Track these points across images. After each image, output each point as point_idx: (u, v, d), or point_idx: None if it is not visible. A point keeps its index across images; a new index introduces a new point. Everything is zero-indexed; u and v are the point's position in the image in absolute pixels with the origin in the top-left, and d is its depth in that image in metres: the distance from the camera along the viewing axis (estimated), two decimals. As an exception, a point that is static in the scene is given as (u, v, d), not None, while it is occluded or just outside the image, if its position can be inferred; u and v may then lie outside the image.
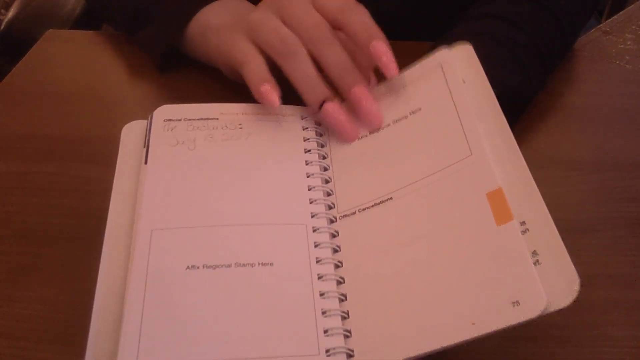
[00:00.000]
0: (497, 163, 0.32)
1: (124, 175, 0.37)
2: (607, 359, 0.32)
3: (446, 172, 0.33)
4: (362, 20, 0.40)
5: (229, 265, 0.32)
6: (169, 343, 0.29)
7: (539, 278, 0.26)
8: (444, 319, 0.28)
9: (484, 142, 0.33)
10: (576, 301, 0.26)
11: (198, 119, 0.39)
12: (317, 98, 0.39)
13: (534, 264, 0.27)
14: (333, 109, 0.39)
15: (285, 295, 0.31)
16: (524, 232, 0.28)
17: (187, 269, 0.31)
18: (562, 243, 0.27)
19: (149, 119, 0.39)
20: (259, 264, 0.32)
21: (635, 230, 0.39)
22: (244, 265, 0.32)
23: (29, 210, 0.40)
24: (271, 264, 0.32)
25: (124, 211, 0.35)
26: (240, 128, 0.39)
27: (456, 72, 0.37)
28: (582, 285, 0.35)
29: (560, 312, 0.34)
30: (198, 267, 0.31)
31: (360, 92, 0.39)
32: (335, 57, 0.39)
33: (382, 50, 0.38)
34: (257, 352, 0.29)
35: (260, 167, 0.37)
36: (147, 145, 0.37)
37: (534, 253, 0.28)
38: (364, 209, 0.34)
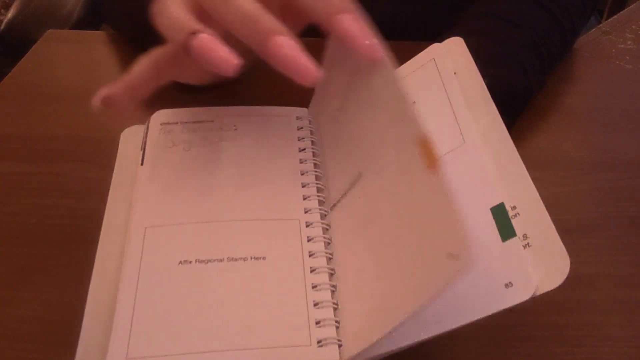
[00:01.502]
0: (489, 149, 0.32)
1: (122, 178, 0.38)
2: (607, 359, 0.32)
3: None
4: None
5: (221, 260, 0.32)
6: (160, 335, 0.29)
7: (529, 260, 0.27)
8: (435, 306, 0.28)
9: (476, 130, 0.33)
10: (567, 279, 0.26)
11: (194, 122, 0.39)
12: (179, 35, 0.31)
13: (525, 247, 0.28)
14: (202, 38, 0.30)
15: (277, 288, 0.31)
16: (514, 216, 0.29)
17: (180, 264, 0.32)
18: (552, 225, 0.28)
19: (147, 123, 0.40)
20: (251, 258, 0.32)
21: (635, 230, 0.39)
22: (236, 259, 0.32)
23: (28, 210, 0.40)
24: (264, 258, 0.32)
25: (119, 213, 0.35)
26: (235, 129, 0.39)
27: (448, 65, 0.37)
28: (581, 284, 0.35)
29: (560, 312, 0.34)
30: (190, 262, 0.32)
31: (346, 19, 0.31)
32: None
33: (352, 29, 0.31)
34: (248, 343, 0.29)
35: (255, 166, 0.38)
36: (143, 148, 0.38)
37: (524, 236, 0.28)
38: (345, 194, 0.35)
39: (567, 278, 0.26)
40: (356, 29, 0.31)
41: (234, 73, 0.30)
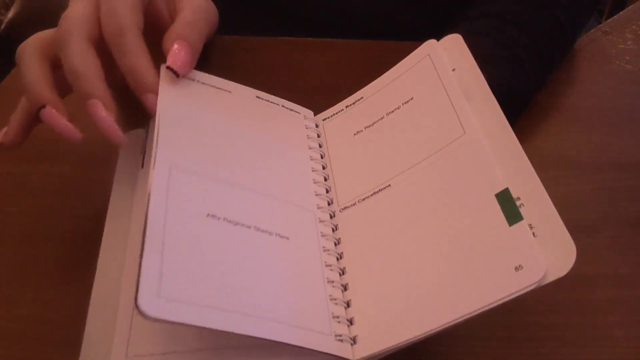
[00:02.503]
0: (491, 141, 0.32)
1: (123, 181, 0.38)
2: (606, 359, 0.32)
3: (442, 153, 0.34)
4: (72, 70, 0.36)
5: (249, 227, 0.31)
6: (191, 282, 0.27)
7: (537, 244, 0.27)
8: (447, 296, 0.28)
9: (476, 121, 0.33)
10: (568, 279, 0.25)
11: (211, 86, 0.38)
12: (33, 103, 0.36)
13: None
14: (48, 114, 0.36)
15: (299, 272, 0.31)
16: (518, 207, 0.29)
17: (208, 217, 0.30)
18: (557, 214, 0.28)
19: (147, 127, 0.40)
20: (276, 234, 0.32)
21: (635, 230, 0.39)
22: (263, 231, 0.31)
23: (29, 210, 0.40)
24: (287, 238, 0.32)
25: (121, 216, 0.35)
26: (250, 107, 0.39)
27: (444, 61, 0.37)
28: (582, 284, 0.35)
29: (560, 312, 0.34)
30: (219, 218, 0.30)
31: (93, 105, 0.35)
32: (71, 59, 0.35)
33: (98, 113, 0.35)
34: (273, 314, 0.28)
35: (270, 147, 0.37)
36: (144, 152, 0.38)
37: (530, 226, 0.28)
38: (363, 199, 0.35)
39: (568, 277, 0.26)
40: (101, 116, 0.35)
41: (76, 141, 0.36)
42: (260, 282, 0.29)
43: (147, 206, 0.29)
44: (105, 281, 0.32)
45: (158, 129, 0.33)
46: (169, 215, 0.29)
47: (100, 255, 0.34)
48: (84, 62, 0.35)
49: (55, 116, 0.36)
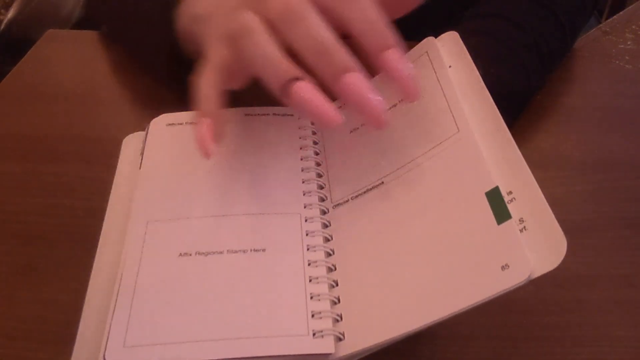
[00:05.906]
0: (484, 137, 0.32)
1: (122, 182, 0.38)
2: (607, 359, 0.32)
3: (435, 150, 0.34)
4: (365, 15, 0.32)
5: (221, 252, 0.32)
6: (158, 324, 0.29)
7: (524, 243, 0.27)
8: (435, 293, 0.28)
9: (470, 118, 0.33)
10: (567, 279, 0.25)
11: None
12: (279, 78, 0.31)
13: (521, 230, 0.28)
14: (305, 88, 0.30)
15: (275, 279, 0.31)
16: (510, 201, 0.29)
17: (180, 256, 0.32)
18: (548, 208, 0.28)
19: (146, 129, 0.40)
20: (251, 250, 0.33)
21: (635, 230, 0.39)
22: (236, 251, 0.33)
23: (29, 210, 0.40)
24: (263, 250, 0.33)
25: (120, 215, 0.36)
26: (237, 130, 0.40)
27: (441, 58, 0.37)
28: (581, 284, 0.35)
29: (560, 312, 0.34)
30: (190, 254, 0.32)
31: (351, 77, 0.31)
32: (308, 32, 0.31)
33: (398, 66, 0.32)
34: (245, 332, 0.29)
35: (256, 162, 0.38)
36: (142, 153, 0.38)
37: (521, 220, 0.28)
38: (356, 196, 0.35)
39: (567, 277, 0.26)
40: (399, 65, 0.32)
41: (331, 127, 0.31)
42: (232, 304, 0.30)
43: (123, 261, 0.32)
44: (100, 278, 0.33)
45: (137, 186, 0.36)
46: (142, 264, 0.32)
47: (97, 252, 0.34)
48: (330, 33, 0.31)
49: (312, 92, 0.30)
